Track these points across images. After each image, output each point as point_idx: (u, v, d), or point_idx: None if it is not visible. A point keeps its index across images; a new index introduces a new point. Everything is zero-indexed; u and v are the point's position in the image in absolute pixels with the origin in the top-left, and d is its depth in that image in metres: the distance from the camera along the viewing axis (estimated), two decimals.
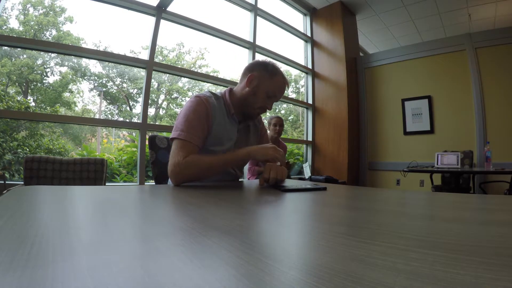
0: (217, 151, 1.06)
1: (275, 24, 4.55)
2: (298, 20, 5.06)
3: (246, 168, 2.77)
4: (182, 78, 8.54)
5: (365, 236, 0.34)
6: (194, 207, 0.56)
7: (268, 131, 2.94)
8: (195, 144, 0.98)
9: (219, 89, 1.23)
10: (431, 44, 4.28)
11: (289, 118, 9.40)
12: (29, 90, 6.44)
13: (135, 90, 8.13)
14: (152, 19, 3.16)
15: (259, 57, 1.20)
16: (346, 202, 0.73)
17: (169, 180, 1.15)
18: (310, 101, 4.91)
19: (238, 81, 1.19)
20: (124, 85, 8.29)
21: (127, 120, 8.04)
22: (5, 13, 5.23)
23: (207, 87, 7.99)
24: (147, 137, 1.90)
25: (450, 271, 0.22)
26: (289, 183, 0.99)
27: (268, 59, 1.15)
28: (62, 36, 6.42)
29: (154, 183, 1.26)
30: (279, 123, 2.96)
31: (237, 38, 3.89)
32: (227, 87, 1.23)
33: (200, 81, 5.40)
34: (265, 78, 1.09)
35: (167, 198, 0.69)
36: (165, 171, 1.23)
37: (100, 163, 2.37)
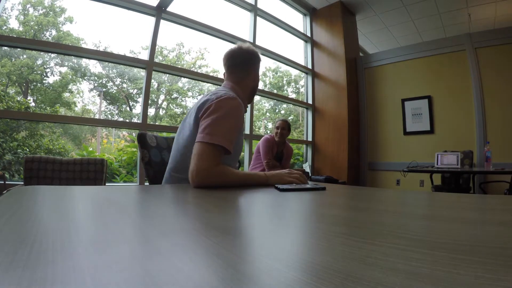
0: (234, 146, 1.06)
1: (275, 24, 4.55)
2: (298, 20, 5.06)
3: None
4: (182, 78, 8.54)
5: (365, 236, 0.34)
6: (194, 207, 0.56)
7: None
8: (229, 150, 0.95)
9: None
10: (431, 44, 4.28)
11: (289, 118, 9.41)
12: (29, 90, 6.43)
13: (135, 90, 8.13)
14: (152, 19, 3.16)
15: (244, 46, 1.27)
16: (346, 202, 0.73)
17: (164, 180, 1.13)
18: (310, 101, 4.91)
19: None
20: (124, 85, 8.28)
21: (127, 120, 8.03)
22: (5, 13, 5.23)
23: (207, 87, 7.98)
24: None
25: (450, 271, 0.22)
26: None
27: (246, 44, 1.20)
28: (62, 36, 6.41)
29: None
30: (281, 126, 2.94)
31: (237, 38, 3.89)
32: None
33: (200, 81, 5.40)
34: (259, 63, 1.23)
35: (167, 198, 0.69)
36: (159, 171, 1.20)
37: (100, 163, 2.37)
